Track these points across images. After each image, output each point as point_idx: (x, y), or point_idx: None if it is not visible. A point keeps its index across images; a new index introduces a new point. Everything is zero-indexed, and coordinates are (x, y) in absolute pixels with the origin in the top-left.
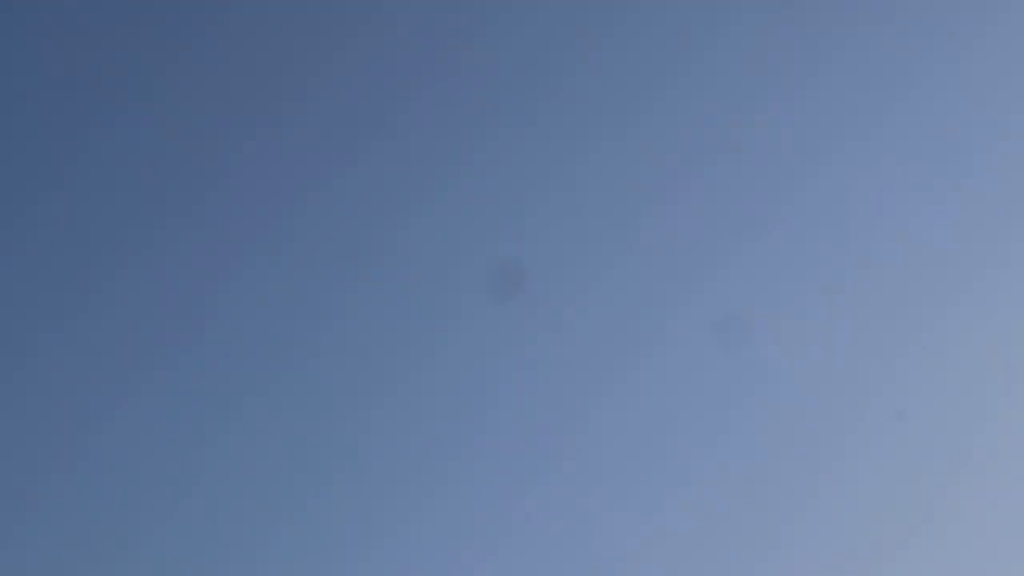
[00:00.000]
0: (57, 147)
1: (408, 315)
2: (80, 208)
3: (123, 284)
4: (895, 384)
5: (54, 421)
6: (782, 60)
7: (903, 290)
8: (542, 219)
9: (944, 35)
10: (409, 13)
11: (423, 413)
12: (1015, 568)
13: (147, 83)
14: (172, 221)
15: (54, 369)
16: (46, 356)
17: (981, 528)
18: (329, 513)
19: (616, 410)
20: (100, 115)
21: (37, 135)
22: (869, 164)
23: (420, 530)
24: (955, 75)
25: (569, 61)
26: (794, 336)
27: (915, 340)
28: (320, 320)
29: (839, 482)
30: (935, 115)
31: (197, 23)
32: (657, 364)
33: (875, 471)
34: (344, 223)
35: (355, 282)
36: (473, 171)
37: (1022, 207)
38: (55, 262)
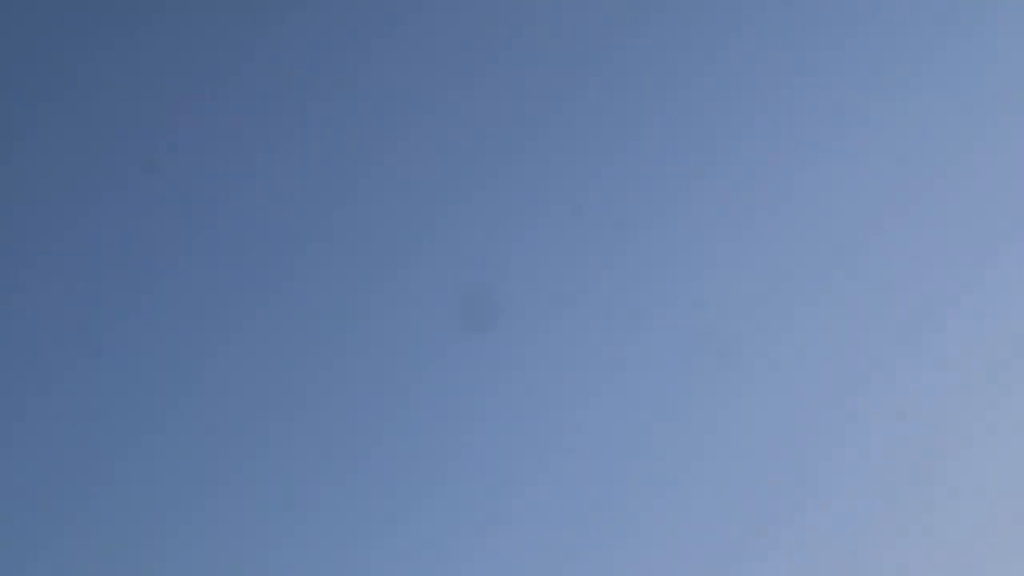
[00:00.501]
0: (54, 142)
1: (380, 347)
2: (90, 209)
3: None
4: (891, 388)
5: (55, 423)
6: (757, 69)
7: (899, 292)
8: (510, 242)
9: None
10: (378, 62)
11: (398, 445)
12: (1015, 567)
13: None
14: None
15: (56, 375)
16: (46, 358)
17: (981, 528)
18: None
19: (599, 429)
20: (106, 111)
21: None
22: (863, 162)
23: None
24: (949, 74)
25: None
26: (784, 344)
27: (912, 344)
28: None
29: (833, 492)
30: (932, 113)
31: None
32: (643, 378)
33: (870, 478)
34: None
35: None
36: (445, 198)
37: (1021, 206)
38: (56, 259)
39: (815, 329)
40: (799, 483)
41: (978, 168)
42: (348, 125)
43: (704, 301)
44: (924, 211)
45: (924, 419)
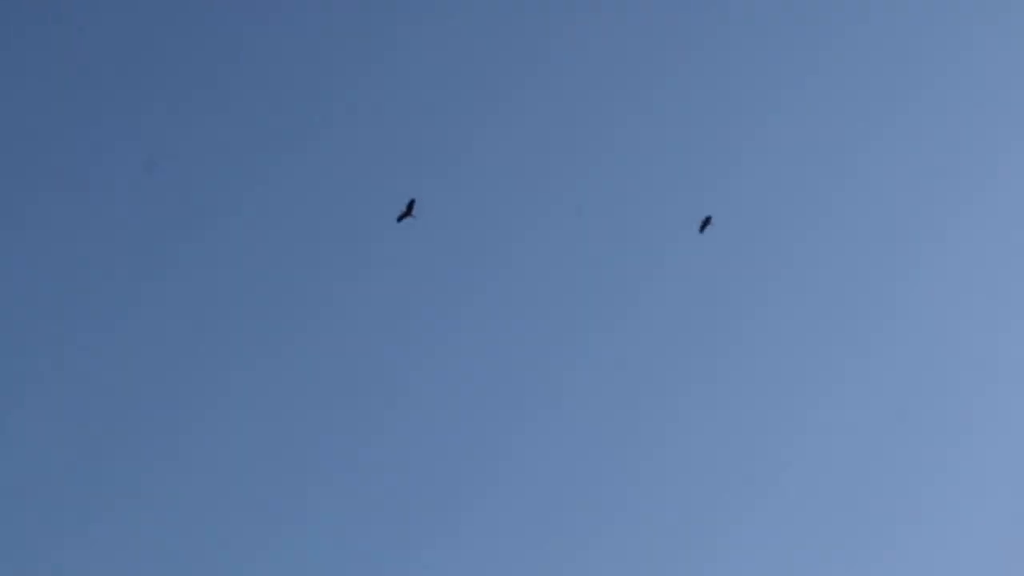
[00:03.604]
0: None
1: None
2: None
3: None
4: (888, 382)
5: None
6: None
7: (898, 292)
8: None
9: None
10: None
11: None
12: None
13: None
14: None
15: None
16: (46, 360)
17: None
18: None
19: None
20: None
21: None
22: (865, 166)
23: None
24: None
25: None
26: (786, 338)
27: (912, 344)
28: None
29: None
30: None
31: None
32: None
33: (870, 470)
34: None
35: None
36: None
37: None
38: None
39: (814, 329)
40: (797, 482)
41: (980, 171)
42: (354, 129)
43: (702, 299)
44: (926, 212)
45: (924, 419)
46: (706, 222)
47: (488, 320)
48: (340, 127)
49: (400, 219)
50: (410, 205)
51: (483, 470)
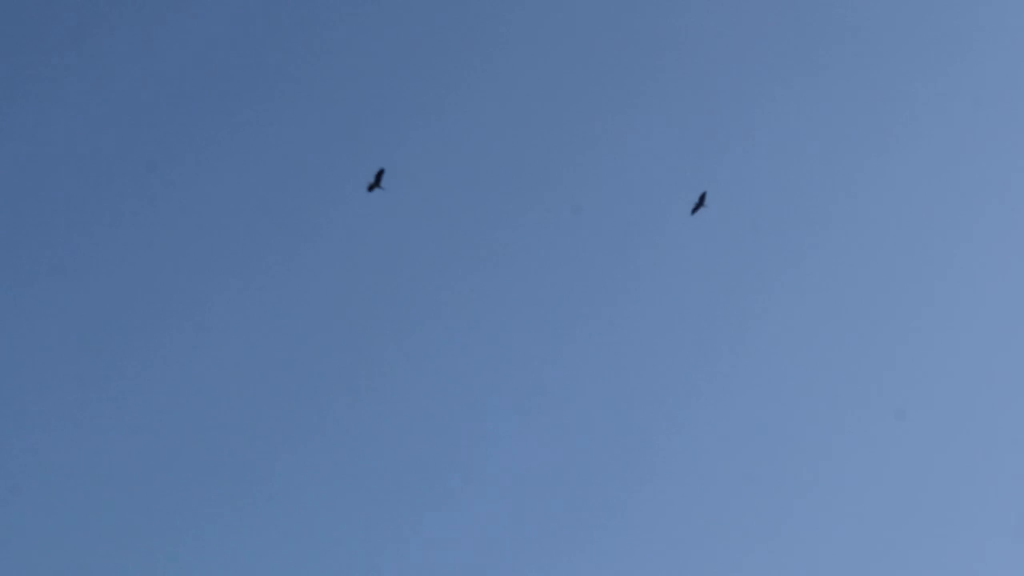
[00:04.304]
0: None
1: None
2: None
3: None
4: (894, 384)
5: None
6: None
7: (898, 292)
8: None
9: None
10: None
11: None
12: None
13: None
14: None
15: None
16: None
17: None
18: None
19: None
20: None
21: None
22: (874, 164)
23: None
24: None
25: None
26: (793, 336)
27: (914, 340)
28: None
29: (836, 483)
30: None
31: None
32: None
33: (874, 472)
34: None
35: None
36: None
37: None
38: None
39: (814, 328)
40: (797, 482)
41: (978, 171)
42: (354, 127)
43: (705, 299)
44: (925, 211)
45: (924, 419)
46: (700, 203)
47: (483, 316)
48: (344, 123)
49: (370, 189)
50: (379, 175)
51: (478, 470)
